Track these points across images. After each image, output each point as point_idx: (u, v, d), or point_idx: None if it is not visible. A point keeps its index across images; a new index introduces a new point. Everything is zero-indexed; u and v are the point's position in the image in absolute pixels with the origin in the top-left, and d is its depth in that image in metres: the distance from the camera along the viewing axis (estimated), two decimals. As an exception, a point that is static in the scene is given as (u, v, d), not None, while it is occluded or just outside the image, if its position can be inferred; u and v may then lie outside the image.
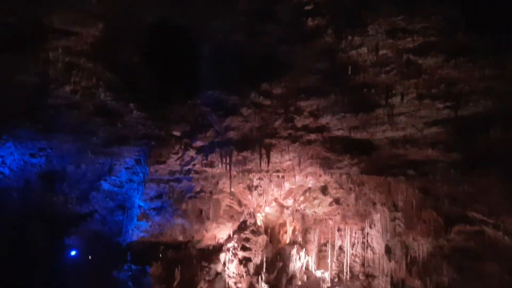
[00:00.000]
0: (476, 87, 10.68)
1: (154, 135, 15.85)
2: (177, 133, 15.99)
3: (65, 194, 18.46)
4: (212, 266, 20.77)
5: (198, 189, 19.77)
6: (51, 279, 17.63)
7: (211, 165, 18.08)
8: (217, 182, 19.80)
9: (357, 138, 15.39)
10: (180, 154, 17.64)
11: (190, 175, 18.56)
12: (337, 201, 21.61)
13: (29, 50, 10.19)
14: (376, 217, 21.08)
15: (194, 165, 18.11)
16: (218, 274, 20.85)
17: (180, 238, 20.32)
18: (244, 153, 17.03)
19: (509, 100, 10.91)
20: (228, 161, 17.29)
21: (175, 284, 19.13)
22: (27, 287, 17.18)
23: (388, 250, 21.22)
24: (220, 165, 17.57)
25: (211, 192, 20.18)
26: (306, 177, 19.68)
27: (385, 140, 15.28)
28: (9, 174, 17.47)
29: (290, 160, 17.77)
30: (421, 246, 19.94)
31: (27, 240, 17.79)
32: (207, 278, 20.39)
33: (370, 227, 21.70)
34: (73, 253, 18.89)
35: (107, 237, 19.26)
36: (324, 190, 21.39)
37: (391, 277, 20.90)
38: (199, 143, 16.93)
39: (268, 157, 17.24)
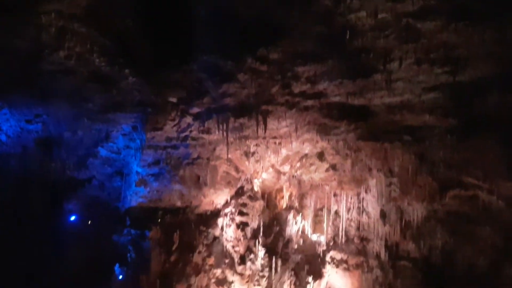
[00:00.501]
0: (475, 51, 10.54)
1: (150, 101, 15.73)
2: (173, 100, 15.87)
3: (62, 160, 18.54)
4: (210, 230, 21.18)
5: (195, 155, 19.87)
6: (51, 244, 17.97)
7: (208, 131, 18.08)
8: (214, 149, 19.90)
9: (354, 104, 15.33)
10: (176, 121, 17.59)
11: (187, 142, 18.60)
12: (333, 167, 21.79)
13: (21, 14, 9.93)
14: (372, 182, 21.31)
15: (191, 131, 18.11)
16: (216, 238, 21.29)
17: (178, 203, 20.60)
18: (241, 120, 16.99)
19: (508, 64, 10.83)
20: (225, 127, 17.27)
21: (174, 248, 19.56)
22: (28, 252, 17.46)
23: (383, 215, 21.61)
24: (217, 132, 17.56)
25: (208, 159, 20.31)
26: (303, 143, 19.76)
27: (382, 106, 15.24)
28: (6, 141, 17.48)
29: (287, 126, 17.77)
30: (416, 211, 20.33)
31: (26, 205, 17.99)
32: (205, 242, 20.84)
33: (366, 192, 21.96)
34: (72, 218, 19.19)
35: (105, 202, 19.52)
36: (320, 156, 21.53)
37: (386, 241, 21.38)
38: (195, 110, 16.84)
39: (265, 123, 17.22)
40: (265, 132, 17.53)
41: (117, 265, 18.19)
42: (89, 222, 19.18)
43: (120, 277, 18.18)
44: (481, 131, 14.41)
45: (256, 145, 20.09)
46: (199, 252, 20.35)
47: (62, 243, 18.06)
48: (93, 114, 16.56)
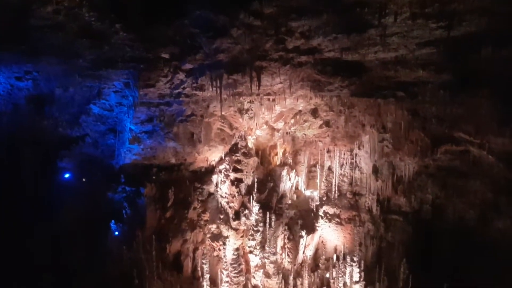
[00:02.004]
0: (470, 6, 10.56)
1: (142, 57, 15.63)
2: (165, 56, 15.78)
3: (55, 118, 18.61)
4: (204, 187, 21.73)
5: (189, 112, 20.05)
6: (45, 201, 18.29)
7: (201, 88, 18.13)
8: (208, 106, 20.04)
9: (349, 60, 15.37)
10: (169, 77, 17.57)
11: (181, 99, 18.69)
12: (327, 123, 22.14)
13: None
14: (365, 138, 21.77)
15: (184, 88, 18.15)
16: (210, 194, 21.88)
17: (173, 160, 21.00)
18: (235, 76, 17.03)
19: (503, 19, 10.91)
20: (218, 84, 17.31)
21: (169, 204, 20.14)
22: (21, 209, 17.75)
23: (375, 170, 22.21)
24: (210, 89, 17.62)
25: (202, 116, 20.51)
26: (297, 100, 19.93)
27: (376, 61, 15.30)
28: (-4, 98, 17.51)
29: (281, 83, 17.86)
30: (408, 166, 20.93)
31: (19, 163, 18.17)
32: (200, 198, 21.43)
33: (359, 148, 22.46)
34: (66, 175, 19.49)
35: (99, 160, 19.78)
36: (314, 112, 21.81)
37: (378, 195, 22.11)
38: (188, 66, 16.80)
39: (259, 80, 17.26)
40: (259, 88, 17.61)
41: (112, 221, 18.71)
42: (83, 180, 19.51)
43: (116, 233, 18.76)
44: (474, 86, 14.66)
45: (250, 102, 20.26)
46: (194, 208, 20.98)
47: (56, 200, 18.36)
48: (84, 71, 16.47)
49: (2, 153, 18.26)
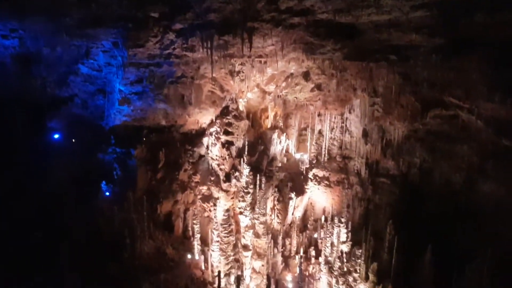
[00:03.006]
0: (465, -32, 10.48)
1: (130, 16, 15.35)
2: (155, 15, 15.49)
3: (42, 77, 18.41)
4: (195, 149, 21.85)
5: (179, 74, 19.87)
6: (35, 161, 18.31)
7: (192, 49, 17.90)
8: (199, 67, 19.84)
9: (342, 22, 15.21)
10: (159, 38, 17.30)
11: (171, 60, 18.47)
12: (318, 86, 22.09)
13: None
14: (356, 102, 21.85)
15: (174, 49, 17.91)
16: (201, 156, 22.04)
17: (163, 122, 20.99)
18: (226, 37, 16.81)
19: (497, -17, 10.84)
20: (209, 45, 17.11)
21: (160, 165, 20.30)
22: (10, 170, 17.74)
23: (365, 134, 22.43)
24: (201, 50, 17.42)
25: (192, 77, 20.35)
26: (289, 62, 19.80)
27: (369, 24, 15.15)
28: (-20, 56, 17.20)
29: (273, 45, 17.68)
30: (397, 130, 21.12)
31: (7, 122, 18.05)
32: (191, 160, 21.59)
33: (350, 112, 22.58)
34: (56, 136, 19.47)
35: (89, 121, 19.77)
36: (306, 76, 21.71)
37: (366, 159, 22.44)
38: (178, 26, 16.53)
39: (251, 41, 17.06)
40: (250, 50, 17.45)
41: (103, 182, 18.89)
42: (73, 140, 19.52)
43: (107, 193, 18.99)
44: (466, 51, 14.64)
45: (241, 64, 20.07)
46: (185, 170, 21.18)
47: (46, 160, 18.41)
48: (71, 29, 16.18)
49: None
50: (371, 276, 19.05)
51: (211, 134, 21.88)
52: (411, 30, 14.45)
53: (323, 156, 23.57)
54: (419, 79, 17.99)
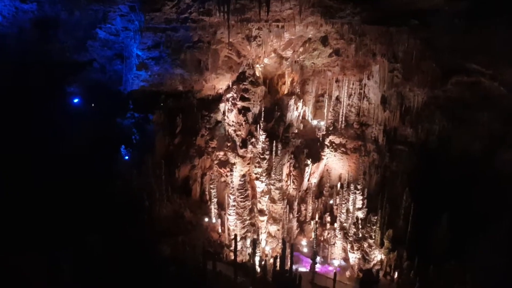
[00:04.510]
0: None
1: (147, -21, 15.46)
2: (171, -23, 15.58)
3: (61, 42, 18.73)
4: (212, 115, 22.17)
5: (196, 39, 19.96)
6: (54, 125, 18.82)
7: (209, 13, 17.95)
8: (215, 32, 19.89)
9: (362, -16, 15.13)
10: (175, 1, 17.36)
11: (187, 24, 18.56)
12: (337, 52, 21.98)
13: None
14: (375, 68, 21.71)
15: (190, 13, 17.98)
16: (218, 122, 22.38)
17: (180, 87, 21.27)
18: (243, 1, 16.82)
19: None
20: (226, 9, 17.13)
21: (177, 131, 20.73)
22: (30, 134, 18.29)
23: (383, 101, 22.36)
24: (217, 14, 17.46)
25: (209, 42, 20.43)
26: (307, 27, 19.68)
27: (391, -14, 15.05)
28: (1, 21, 17.50)
29: (290, 8, 17.61)
30: (417, 97, 21.04)
31: (27, 86, 18.50)
32: (207, 126, 21.96)
33: (368, 78, 22.46)
34: (75, 100, 19.97)
35: (107, 85, 20.14)
36: (324, 40, 21.58)
37: (384, 126, 22.46)
38: (195, -12, 16.59)
39: (268, 5, 17.01)
40: (267, 14, 17.43)
41: (122, 146, 19.43)
42: (92, 105, 19.99)
43: (126, 157, 19.56)
44: (490, 15, 14.44)
45: (259, 28, 20.02)
46: (202, 136, 21.60)
47: (66, 123, 18.89)
48: (88, -8, 16.40)
49: (10, 76, 18.53)
50: (386, 243, 19.52)
51: (227, 100, 22.11)
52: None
53: (340, 123, 23.65)
54: (441, 45, 17.82)
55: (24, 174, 17.13)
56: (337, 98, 23.90)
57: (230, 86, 22.32)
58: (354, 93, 23.34)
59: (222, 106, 22.31)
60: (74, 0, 16.74)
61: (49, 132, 18.28)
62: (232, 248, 18.91)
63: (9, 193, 16.25)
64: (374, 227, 19.63)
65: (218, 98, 22.42)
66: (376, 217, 19.66)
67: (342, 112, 23.65)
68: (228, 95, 22.15)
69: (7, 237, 15.31)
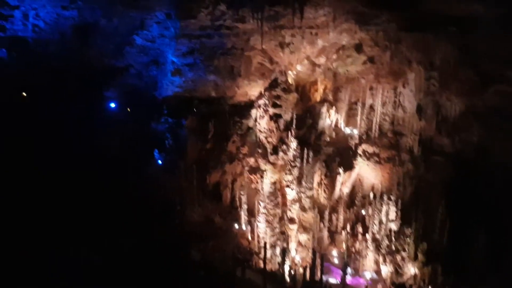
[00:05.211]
0: None
1: (183, -13, 16.09)
2: (207, -14, 16.16)
3: (99, 48, 19.66)
4: (244, 121, 22.58)
5: (229, 45, 20.50)
6: (91, 129, 19.67)
7: (242, 20, 18.44)
8: (248, 39, 20.35)
9: (398, -9, 15.22)
10: (210, 9, 17.96)
11: (221, 31, 19.14)
12: (371, 59, 21.99)
13: None
14: (411, 76, 21.55)
15: (225, 20, 18.54)
16: (249, 128, 22.75)
17: (213, 93, 21.82)
18: (277, 8, 17.19)
19: None
20: (259, 16, 17.56)
21: (209, 136, 21.26)
22: (68, 136, 19.18)
23: (419, 109, 22.11)
24: (251, 21, 17.94)
25: (242, 49, 20.91)
26: (341, 34, 19.84)
27: (428, -7, 15.07)
28: (44, 27, 18.61)
29: (324, 15, 17.87)
30: (454, 106, 20.72)
31: (67, 90, 19.45)
32: (239, 132, 22.36)
33: (403, 86, 22.30)
34: (112, 105, 20.83)
35: (143, 90, 20.94)
36: (358, 48, 21.65)
37: (420, 135, 22.19)
38: (229, -4, 17.08)
39: (302, 12, 17.33)
40: (301, 21, 17.72)
41: (156, 150, 20.09)
42: (128, 109, 20.78)
43: (159, 161, 20.20)
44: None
45: (292, 35, 20.34)
46: (233, 142, 22.01)
47: (102, 127, 19.72)
48: (127, 0, 17.18)
49: (49, 80, 19.53)
50: (420, 256, 19.25)
51: (259, 106, 22.45)
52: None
53: (373, 131, 23.53)
54: (480, 52, 17.58)
55: (61, 176, 17.92)
56: (371, 106, 23.80)
57: (262, 92, 22.66)
58: (389, 101, 23.20)
59: (253, 112, 22.67)
60: (113, 8, 17.58)
61: (86, 135, 19.11)
62: (262, 255, 19.14)
63: (46, 194, 17.08)
64: (408, 239, 19.41)
65: (250, 105, 22.80)
66: (410, 230, 19.44)
67: (376, 120, 23.53)
68: (260, 102, 22.49)
69: (43, 236, 16.07)
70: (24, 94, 19.92)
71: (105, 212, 17.28)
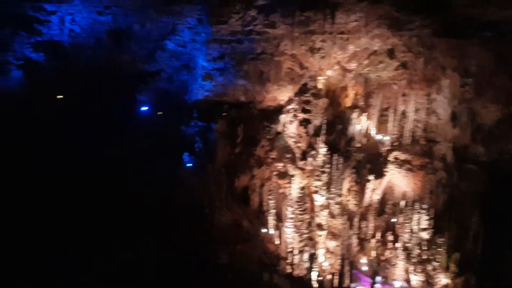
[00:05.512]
0: None
1: (215, -8, 16.48)
2: (238, -9, 16.47)
3: (132, 52, 20.33)
4: (273, 126, 22.70)
5: (259, 50, 20.74)
6: (123, 131, 20.34)
7: (273, 25, 18.66)
8: (278, 44, 20.54)
9: (432, -4, 15.11)
10: (241, 14, 18.27)
11: (252, 36, 19.42)
12: (404, 65, 21.78)
13: None
14: (445, 82, 21.23)
15: (255, 25, 18.81)
16: (278, 133, 22.85)
17: (242, 98, 22.09)
18: (307, 13, 17.30)
19: None
20: (290, 21, 17.72)
21: (238, 140, 21.51)
22: (101, 139, 19.90)
23: (453, 117, 21.76)
24: (281, 26, 18.11)
25: (272, 54, 21.10)
26: (373, 39, 19.76)
27: (463, -3, 14.90)
28: (80, 32, 19.42)
29: (356, 20, 17.85)
30: (490, 113, 20.34)
31: (101, 93, 20.20)
32: (268, 136, 22.50)
33: (437, 93, 21.95)
34: (144, 108, 21.43)
35: (174, 94, 21.46)
36: (391, 53, 21.49)
37: (454, 143, 21.80)
38: (260, 2, 17.34)
39: (333, 17, 17.38)
40: (332, 26, 17.77)
41: (185, 153, 20.49)
42: (159, 113, 21.33)
43: (189, 165, 20.59)
44: None
45: (322, 40, 20.39)
46: (262, 146, 22.17)
47: (134, 130, 20.39)
48: (159, 6, 17.75)
49: (84, 84, 20.32)
50: (452, 267, 18.89)
51: (288, 111, 22.52)
52: (507, 4, 13.97)
53: (405, 138, 23.21)
54: (516, 58, 17.26)
55: (93, 178, 18.59)
56: (403, 113, 23.50)
57: (292, 97, 22.75)
58: (421, 107, 22.86)
59: (282, 117, 22.76)
60: (146, 13, 18.16)
61: (118, 137, 19.78)
62: (289, 261, 19.19)
63: (78, 195, 17.79)
64: (440, 249, 19.09)
65: (279, 109, 22.91)
66: (442, 239, 19.11)
67: (408, 127, 23.21)
68: (289, 107, 22.57)
69: (73, 236, 16.71)
70: (60, 96, 20.75)
71: (136, 212, 17.87)
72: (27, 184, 17.61)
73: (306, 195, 20.81)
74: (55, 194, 17.71)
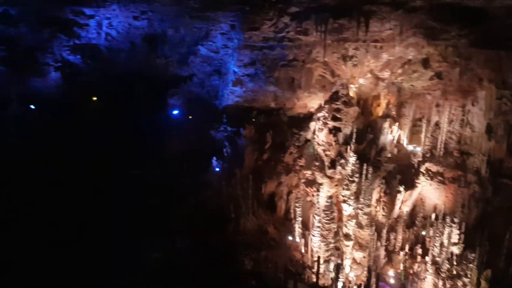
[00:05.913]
0: None
1: (248, -1, 16.74)
2: (272, -2, 16.66)
3: (166, 57, 20.86)
4: (302, 133, 22.75)
5: (291, 57, 20.86)
6: (155, 134, 20.88)
7: (305, 32, 18.73)
8: (310, 51, 20.59)
9: (470, 6, 14.86)
10: (274, 21, 18.43)
11: (284, 43, 19.55)
12: (438, 75, 21.44)
13: None
14: (481, 94, 20.77)
15: (287, 32, 18.93)
16: (307, 141, 22.87)
17: (272, 104, 22.24)
18: (341, 21, 17.28)
19: None
20: (323, 29, 17.76)
21: (266, 146, 21.66)
22: (135, 140, 20.47)
23: (489, 129, 21.23)
24: (314, 33, 18.18)
25: (303, 61, 21.18)
26: (407, 48, 19.56)
27: (503, 8, 14.58)
28: (116, 36, 20.08)
29: (390, 29, 17.72)
30: (528, 127, 19.82)
31: (134, 97, 20.81)
32: (296, 143, 22.55)
33: (473, 105, 21.49)
34: (175, 112, 21.91)
35: (205, 99, 21.88)
36: (425, 62, 21.19)
37: (489, 156, 21.28)
38: (293, 9, 17.43)
39: (367, 25, 17.31)
40: (366, 34, 17.71)
41: (214, 158, 20.80)
42: (190, 117, 21.75)
43: (217, 169, 20.88)
44: None
45: (355, 48, 20.33)
46: (291, 153, 22.23)
47: (165, 133, 20.90)
48: (193, 12, 18.15)
49: (119, 87, 20.96)
50: (483, 283, 18.38)
51: (318, 119, 22.52)
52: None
53: (438, 150, 22.81)
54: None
55: (123, 179, 19.12)
56: (437, 124, 23.12)
57: (322, 105, 22.73)
58: (456, 119, 22.39)
59: (312, 124, 22.78)
60: (181, 19, 18.59)
61: (150, 140, 20.31)
62: (315, 270, 19.12)
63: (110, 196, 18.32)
64: (471, 265, 18.60)
65: (309, 117, 22.95)
66: (473, 255, 18.64)
67: (441, 138, 22.79)
68: (320, 114, 22.56)
69: (103, 235, 17.20)
70: (95, 98, 21.47)
71: (164, 214, 18.27)
72: (64, 183, 18.27)
73: (334, 204, 20.72)
74: (81, 195, 18.32)
